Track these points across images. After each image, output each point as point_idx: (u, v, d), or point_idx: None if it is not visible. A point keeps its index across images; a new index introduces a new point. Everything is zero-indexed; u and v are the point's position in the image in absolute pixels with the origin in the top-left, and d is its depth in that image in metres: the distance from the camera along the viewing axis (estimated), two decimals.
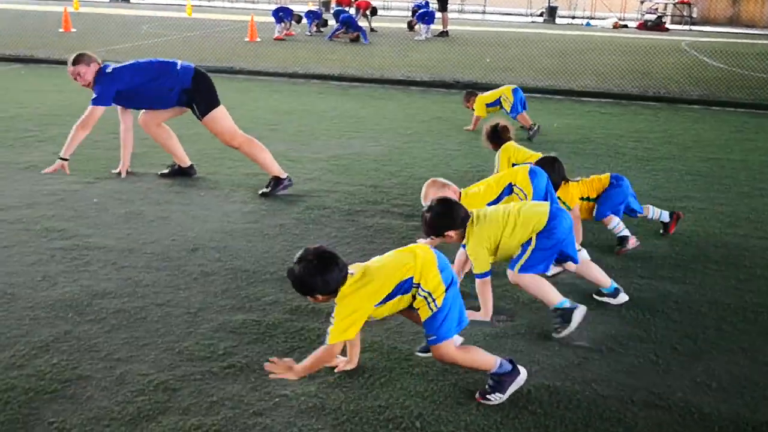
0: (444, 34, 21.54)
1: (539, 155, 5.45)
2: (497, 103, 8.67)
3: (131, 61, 6.13)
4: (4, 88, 10.96)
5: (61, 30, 19.09)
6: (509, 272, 3.74)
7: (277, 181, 6.00)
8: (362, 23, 20.66)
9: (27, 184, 6.04)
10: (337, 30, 19.70)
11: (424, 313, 3.07)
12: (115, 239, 4.85)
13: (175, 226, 5.12)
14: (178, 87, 5.96)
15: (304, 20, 21.44)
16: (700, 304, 4.14)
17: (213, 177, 6.43)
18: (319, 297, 3.08)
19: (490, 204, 4.36)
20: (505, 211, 3.72)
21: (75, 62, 5.95)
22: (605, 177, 5.05)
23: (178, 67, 6.01)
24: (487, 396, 3.11)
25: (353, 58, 14.76)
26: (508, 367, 3.14)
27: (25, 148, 7.21)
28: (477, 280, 3.78)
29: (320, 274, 3.01)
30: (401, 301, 3.11)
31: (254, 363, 3.34)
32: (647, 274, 4.57)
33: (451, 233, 3.68)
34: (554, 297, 3.70)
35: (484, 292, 3.79)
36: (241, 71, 12.86)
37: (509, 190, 4.45)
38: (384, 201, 5.83)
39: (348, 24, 19.47)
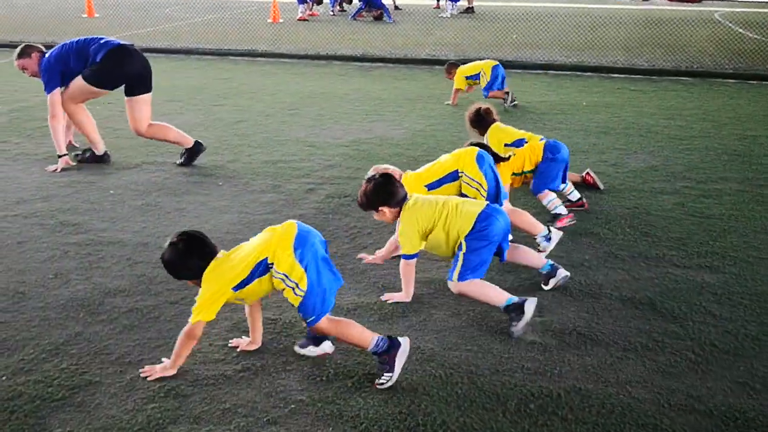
0: (470, 10, 21.12)
1: (528, 134, 5.35)
2: (477, 77, 8.71)
3: (67, 41, 6.04)
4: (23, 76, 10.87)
5: (84, 15, 19.03)
6: (449, 283, 3.58)
7: (100, 156, 6.26)
8: (386, 1, 20.32)
9: (44, 175, 5.96)
10: (360, 10, 19.41)
11: (293, 300, 3.01)
12: (131, 233, 4.73)
13: (191, 218, 4.99)
14: (92, 61, 5.86)
15: (326, 0, 21.15)
16: (741, 296, 3.91)
17: (232, 165, 6.28)
18: (188, 281, 3.16)
19: (429, 186, 4.27)
20: (444, 204, 3.63)
21: (18, 56, 6.12)
22: (538, 147, 4.95)
23: (102, 42, 5.91)
24: (380, 380, 3.04)
25: (376, 38, 14.50)
26: (385, 343, 3.06)
27: (44, 138, 7.09)
28: (402, 261, 3.76)
29: (183, 258, 3.07)
30: (262, 284, 3.05)
31: (269, 366, 3.20)
32: (682, 262, 4.33)
33: (386, 210, 3.66)
34: (499, 297, 3.55)
35: (407, 273, 3.77)
36: (264, 54, 12.67)
37: (454, 176, 4.30)
38: None
39: (370, 3, 19.15)
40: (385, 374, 3.04)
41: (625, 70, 11.55)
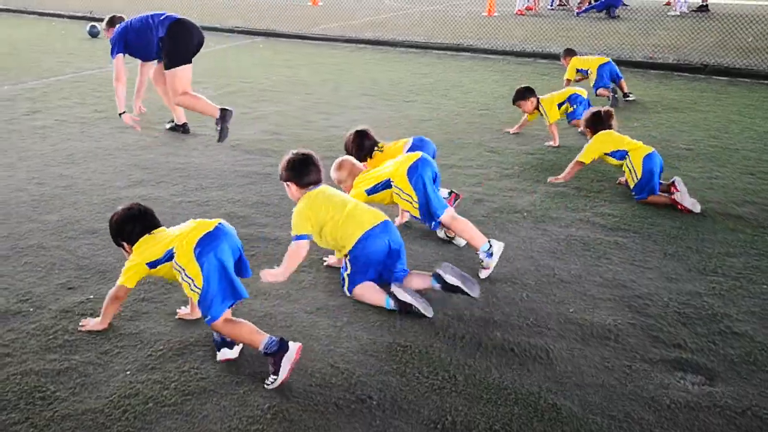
0: (703, 9, 19.40)
1: (636, 145, 5.36)
2: (586, 72, 8.68)
3: (138, 17, 6.62)
4: (237, 61, 11.48)
5: (309, 3, 19.86)
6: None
7: (221, 117, 6.35)
8: None
9: (227, 164, 6.14)
10: (590, 8, 18.41)
11: (192, 295, 3.14)
12: (288, 230, 4.67)
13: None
14: (157, 37, 6.40)
15: None
16: None
17: None
18: (125, 246, 3.36)
19: (368, 191, 4.25)
20: (343, 207, 3.78)
21: (105, 26, 7.02)
22: (398, 149, 4.82)
23: (162, 18, 6.44)
24: (267, 381, 3.05)
25: (589, 37, 13.64)
26: (275, 345, 3.06)
27: (237, 125, 7.33)
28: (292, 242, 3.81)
29: (130, 222, 3.32)
30: (167, 268, 3.23)
31: (385, 401, 2.95)
32: None
33: (291, 186, 3.89)
34: (380, 299, 3.70)
35: (292, 254, 3.76)
36: (467, 49, 12.40)
37: (386, 184, 4.21)
38: (587, 208, 5.13)
39: (609, 8, 18.00)
40: (271, 376, 3.05)
41: None
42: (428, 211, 4.15)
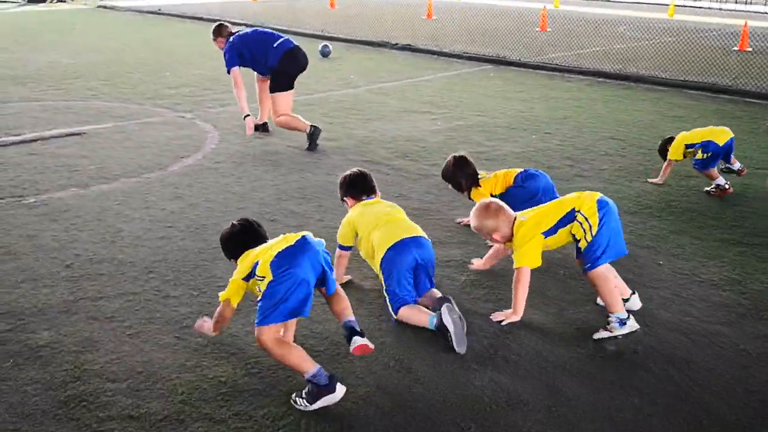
0: None
1: None
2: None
3: (249, 30, 7.42)
4: (467, 90, 10.90)
5: (537, 29, 19.06)
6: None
7: (310, 134, 7.27)
8: None
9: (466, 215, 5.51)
10: None
11: (258, 295, 3.15)
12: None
13: None
14: (270, 63, 7.21)
15: None
16: None
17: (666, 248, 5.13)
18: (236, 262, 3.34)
19: (546, 233, 3.79)
20: (380, 219, 3.98)
21: (213, 34, 7.64)
22: (509, 175, 5.00)
23: (276, 45, 7.19)
24: (296, 399, 3.06)
25: None
26: (324, 380, 3.00)
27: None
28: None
29: (232, 239, 3.40)
30: (254, 282, 3.19)
31: None
32: None
33: (349, 200, 4.28)
34: (424, 320, 3.69)
35: (336, 263, 4.09)
36: (726, 90, 10.95)
37: (570, 217, 3.76)
38: None
39: None
40: (304, 400, 3.02)
41: None
42: (597, 252, 3.67)
